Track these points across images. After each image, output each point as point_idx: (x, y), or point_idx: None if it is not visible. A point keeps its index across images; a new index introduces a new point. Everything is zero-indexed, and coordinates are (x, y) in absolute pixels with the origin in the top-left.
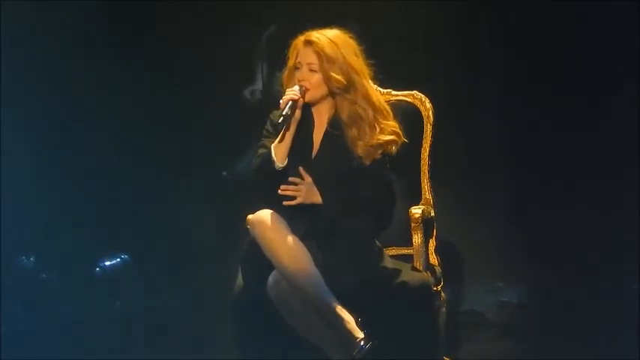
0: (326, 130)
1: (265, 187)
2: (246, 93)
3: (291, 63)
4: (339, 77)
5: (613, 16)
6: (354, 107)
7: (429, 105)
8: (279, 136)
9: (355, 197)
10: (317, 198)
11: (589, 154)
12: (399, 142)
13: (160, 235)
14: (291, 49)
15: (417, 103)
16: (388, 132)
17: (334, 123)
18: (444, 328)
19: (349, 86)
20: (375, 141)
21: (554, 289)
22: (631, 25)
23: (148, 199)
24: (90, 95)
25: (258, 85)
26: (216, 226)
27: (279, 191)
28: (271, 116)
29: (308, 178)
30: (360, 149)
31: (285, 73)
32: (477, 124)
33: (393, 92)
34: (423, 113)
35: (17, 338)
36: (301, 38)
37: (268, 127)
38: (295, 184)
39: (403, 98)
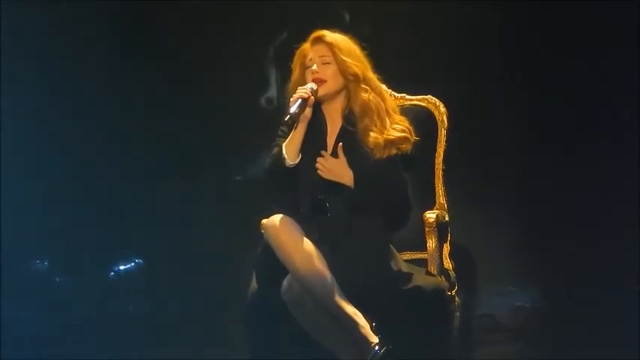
0: (341, 126)
1: (278, 186)
2: (261, 95)
3: (295, 74)
4: (355, 63)
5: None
6: (367, 97)
7: (443, 109)
8: (290, 135)
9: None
10: (346, 179)
11: (602, 157)
12: (411, 140)
13: (174, 239)
14: (295, 58)
15: (432, 108)
16: (399, 129)
17: (347, 119)
18: (458, 332)
19: (363, 78)
20: (386, 135)
21: (567, 292)
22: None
23: (161, 202)
24: (102, 97)
25: (273, 87)
26: (230, 230)
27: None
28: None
29: (342, 159)
30: (371, 140)
31: (291, 85)
32: (490, 128)
33: (407, 96)
34: (438, 117)
35: (31, 341)
36: (306, 43)
37: (283, 127)
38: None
39: (417, 103)
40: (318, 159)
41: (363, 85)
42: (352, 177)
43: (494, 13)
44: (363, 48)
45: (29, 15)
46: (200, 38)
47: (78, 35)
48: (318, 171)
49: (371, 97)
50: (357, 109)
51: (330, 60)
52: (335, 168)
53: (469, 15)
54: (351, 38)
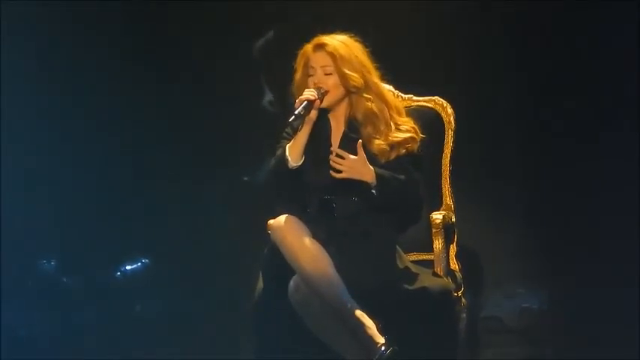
0: (343, 132)
1: (281, 187)
2: (268, 96)
3: (298, 74)
4: (356, 75)
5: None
6: (369, 105)
7: (450, 111)
8: (294, 136)
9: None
10: (368, 176)
11: (609, 158)
12: (418, 139)
13: (180, 239)
14: (299, 58)
15: (439, 109)
16: (404, 130)
17: (350, 125)
18: (464, 333)
19: (365, 85)
20: (390, 139)
21: (574, 294)
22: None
23: (168, 202)
24: (107, 97)
25: (279, 88)
26: (237, 231)
27: (331, 162)
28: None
29: (362, 156)
30: (375, 147)
31: (295, 85)
32: (497, 129)
33: (415, 98)
34: (445, 119)
35: (38, 342)
36: (309, 45)
37: (288, 129)
38: (343, 157)
39: (424, 104)
40: (335, 159)
41: (365, 95)
42: (374, 174)
43: (497, 14)
44: (366, 47)
45: (29, 15)
46: (204, 38)
47: (79, 35)
48: (342, 172)
49: (374, 105)
50: (360, 117)
51: (332, 70)
52: (356, 165)
53: (475, 15)
54: (353, 37)
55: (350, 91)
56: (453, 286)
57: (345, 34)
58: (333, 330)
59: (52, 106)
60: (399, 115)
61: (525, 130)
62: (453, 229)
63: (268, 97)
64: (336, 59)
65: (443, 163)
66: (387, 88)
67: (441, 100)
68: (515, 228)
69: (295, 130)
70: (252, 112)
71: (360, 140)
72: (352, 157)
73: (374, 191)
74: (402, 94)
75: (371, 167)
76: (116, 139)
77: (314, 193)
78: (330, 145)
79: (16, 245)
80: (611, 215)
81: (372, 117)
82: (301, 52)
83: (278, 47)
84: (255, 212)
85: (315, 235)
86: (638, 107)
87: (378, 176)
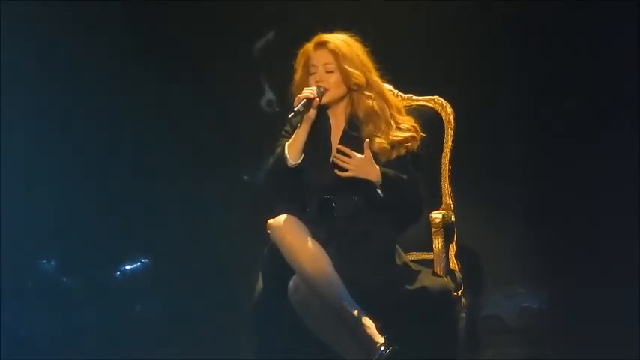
0: (344, 130)
1: (280, 186)
2: (268, 95)
3: (298, 73)
4: (358, 73)
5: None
6: (370, 103)
7: (450, 110)
8: (293, 135)
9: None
10: (373, 175)
11: (609, 158)
12: (418, 138)
13: (180, 239)
14: (299, 58)
15: (438, 108)
16: (405, 129)
17: (351, 124)
18: (464, 333)
19: (366, 83)
20: (391, 138)
21: (574, 294)
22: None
23: (168, 202)
24: (107, 97)
25: (279, 88)
26: (237, 231)
27: (333, 158)
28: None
29: (368, 155)
30: (376, 146)
31: (294, 85)
32: (497, 129)
33: (414, 97)
34: (444, 118)
35: (38, 342)
36: (309, 44)
37: (287, 128)
38: (349, 156)
39: (424, 103)
40: (341, 157)
41: (367, 92)
42: (379, 173)
43: (497, 14)
44: (366, 47)
45: (29, 15)
46: (204, 38)
47: (79, 35)
48: (349, 171)
49: (375, 103)
50: (361, 115)
51: (334, 68)
52: (362, 164)
53: (475, 15)
54: (353, 37)
55: (351, 89)
56: (452, 285)
57: (346, 33)
58: (333, 330)
59: (52, 106)
60: (399, 114)
61: (525, 130)
62: (452, 228)
63: (268, 97)
64: (338, 57)
65: (442, 162)
66: (387, 87)
67: (441, 99)
68: (515, 228)
69: (294, 129)
70: (252, 112)
71: (368, 140)
72: (359, 155)
73: (379, 191)
74: (402, 94)
75: (377, 166)
76: (116, 139)
77: (314, 193)
78: (330, 144)
79: (16, 245)
80: (611, 215)
81: (373, 115)
82: (301, 51)
83: (278, 47)
84: (255, 212)
85: (314, 235)
86: (638, 107)
87: (384, 175)
